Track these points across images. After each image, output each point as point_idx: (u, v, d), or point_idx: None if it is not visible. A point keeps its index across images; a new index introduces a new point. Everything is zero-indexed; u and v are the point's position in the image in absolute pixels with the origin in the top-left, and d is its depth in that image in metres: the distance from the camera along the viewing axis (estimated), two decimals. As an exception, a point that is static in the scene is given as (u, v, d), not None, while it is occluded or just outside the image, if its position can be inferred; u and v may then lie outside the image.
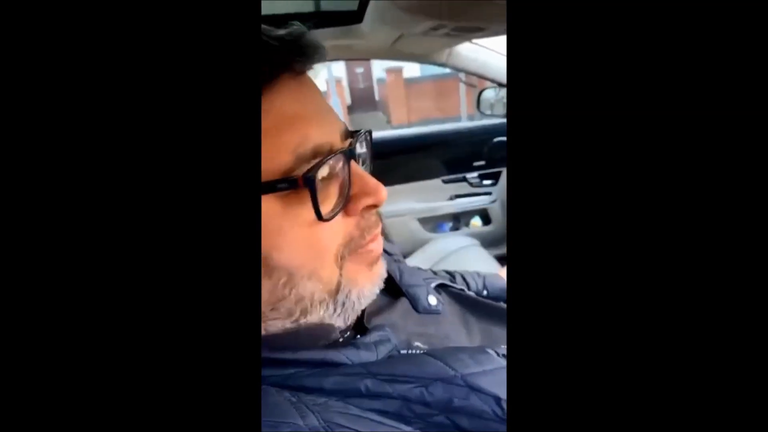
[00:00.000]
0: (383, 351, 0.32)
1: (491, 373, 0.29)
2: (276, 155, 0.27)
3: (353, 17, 0.83)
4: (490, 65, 1.15)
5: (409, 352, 0.34)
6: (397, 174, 1.45)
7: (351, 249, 0.31)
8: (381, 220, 0.34)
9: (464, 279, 0.57)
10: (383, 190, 0.31)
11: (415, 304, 0.40)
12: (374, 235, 0.32)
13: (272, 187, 0.27)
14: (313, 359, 0.30)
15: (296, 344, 0.31)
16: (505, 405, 0.27)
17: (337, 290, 0.31)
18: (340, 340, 0.34)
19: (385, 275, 0.35)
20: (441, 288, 0.46)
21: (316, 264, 0.30)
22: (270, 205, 0.27)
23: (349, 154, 0.31)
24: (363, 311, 0.35)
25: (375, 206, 0.32)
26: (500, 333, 0.42)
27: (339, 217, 0.30)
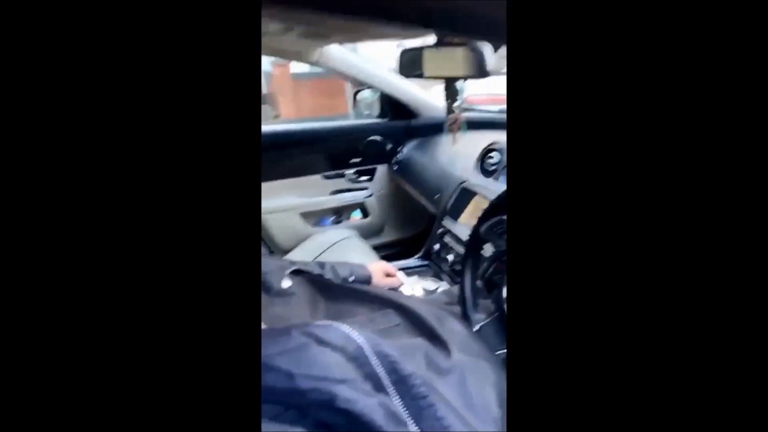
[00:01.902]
0: None
1: (288, 352, 0.33)
2: None
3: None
4: (355, 66, 1.24)
5: None
6: (281, 169, 1.45)
7: None
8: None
9: (333, 268, 0.63)
10: None
11: (268, 288, 0.44)
12: None
13: None
14: None
15: None
16: (298, 377, 0.30)
17: None
18: None
19: None
20: (297, 273, 0.50)
21: None
22: None
23: None
24: None
25: None
26: (346, 309, 0.48)
27: None
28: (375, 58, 1.29)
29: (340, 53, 1.19)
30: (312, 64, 1.18)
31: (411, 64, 0.65)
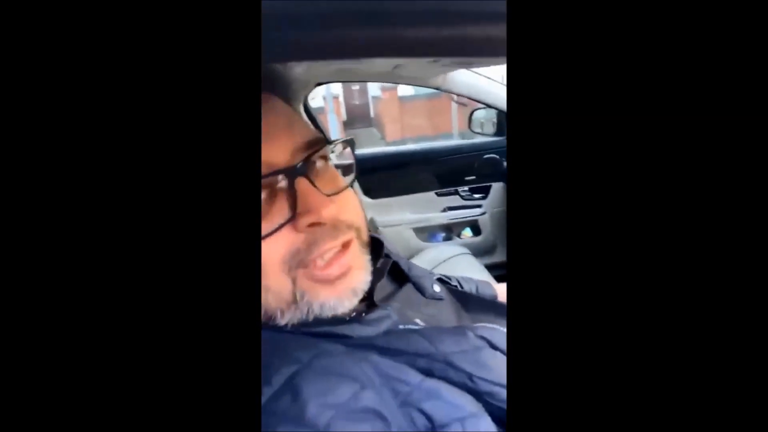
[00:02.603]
0: (384, 326, 0.35)
1: (467, 352, 0.32)
2: None
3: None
4: (482, 89, 1.27)
5: (407, 327, 0.36)
6: (393, 187, 1.55)
7: (299, 262, 0.32)
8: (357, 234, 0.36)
9: (459, 282, 0.64)
10: (326, 209, 0.32)
11: (422, 291, 0.46)
12: (331, 254, 0.33)
13: None
14: (322, 332, 0.33)
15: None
16: (477, 380, 0.30)
17: (294, 300, 0.32)
18: (347, 318, 0.36)
19: (362, 287, 0.35)
20: (440, 282, 0.54)
21: (266, 277, 0.31)
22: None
23: (295, 172, 0.31)
24: (371, 296, 0.39)
25: (319, 223, 0.32)
26: (486, 319, 0.50)
27: (284, 232, 0.31)
28: (494, 77, 1.31)
29: (466, 77, 1.24)
30: (433, 87, 1.25)
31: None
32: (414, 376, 0.30)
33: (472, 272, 1.23)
